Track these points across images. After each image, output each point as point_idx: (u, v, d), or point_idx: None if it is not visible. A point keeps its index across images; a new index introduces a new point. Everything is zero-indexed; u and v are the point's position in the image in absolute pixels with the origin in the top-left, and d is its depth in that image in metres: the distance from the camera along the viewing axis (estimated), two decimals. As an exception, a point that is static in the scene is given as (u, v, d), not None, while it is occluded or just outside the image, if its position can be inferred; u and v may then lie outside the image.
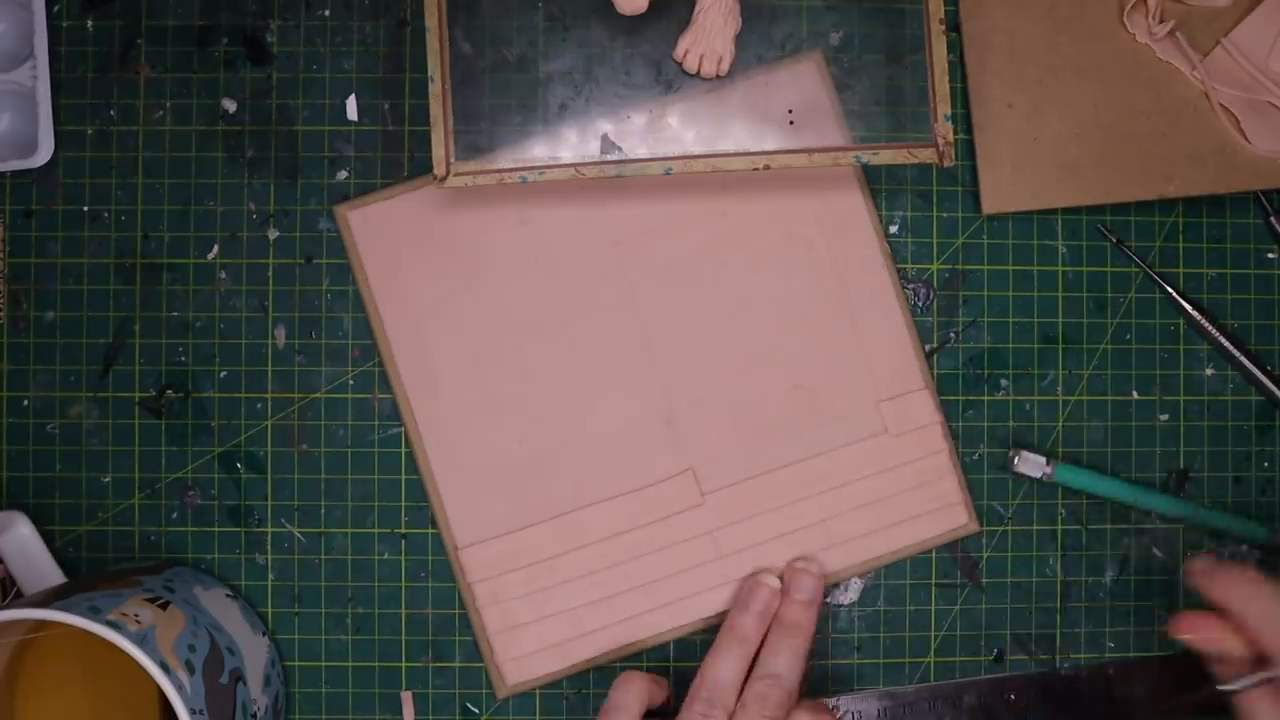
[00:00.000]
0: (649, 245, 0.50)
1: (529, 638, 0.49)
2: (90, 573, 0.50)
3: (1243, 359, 0.51)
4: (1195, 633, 0.45)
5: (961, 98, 0.51)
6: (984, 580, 0.51)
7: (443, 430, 0.49)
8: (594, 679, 0.50)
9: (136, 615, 0.41)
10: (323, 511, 0.50)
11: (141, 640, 0.39)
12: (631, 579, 0.50)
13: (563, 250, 0.50)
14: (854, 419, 0.50)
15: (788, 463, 0.50)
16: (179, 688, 0.39)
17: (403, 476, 0.50)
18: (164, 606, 0.43)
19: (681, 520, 0.50)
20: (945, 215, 0.51)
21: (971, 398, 0.51)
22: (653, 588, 0.50)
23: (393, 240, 0.49)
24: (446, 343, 0.49)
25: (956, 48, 0.50)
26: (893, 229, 0.51)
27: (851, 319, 0.50)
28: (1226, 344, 0.51)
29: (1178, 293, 0.52)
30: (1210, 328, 0.51)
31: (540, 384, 0.50)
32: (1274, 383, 0.52)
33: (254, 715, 0.45)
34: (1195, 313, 0.51)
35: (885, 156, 0.46)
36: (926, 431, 0.50)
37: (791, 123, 0.50)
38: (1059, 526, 0.52)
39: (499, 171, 0.46)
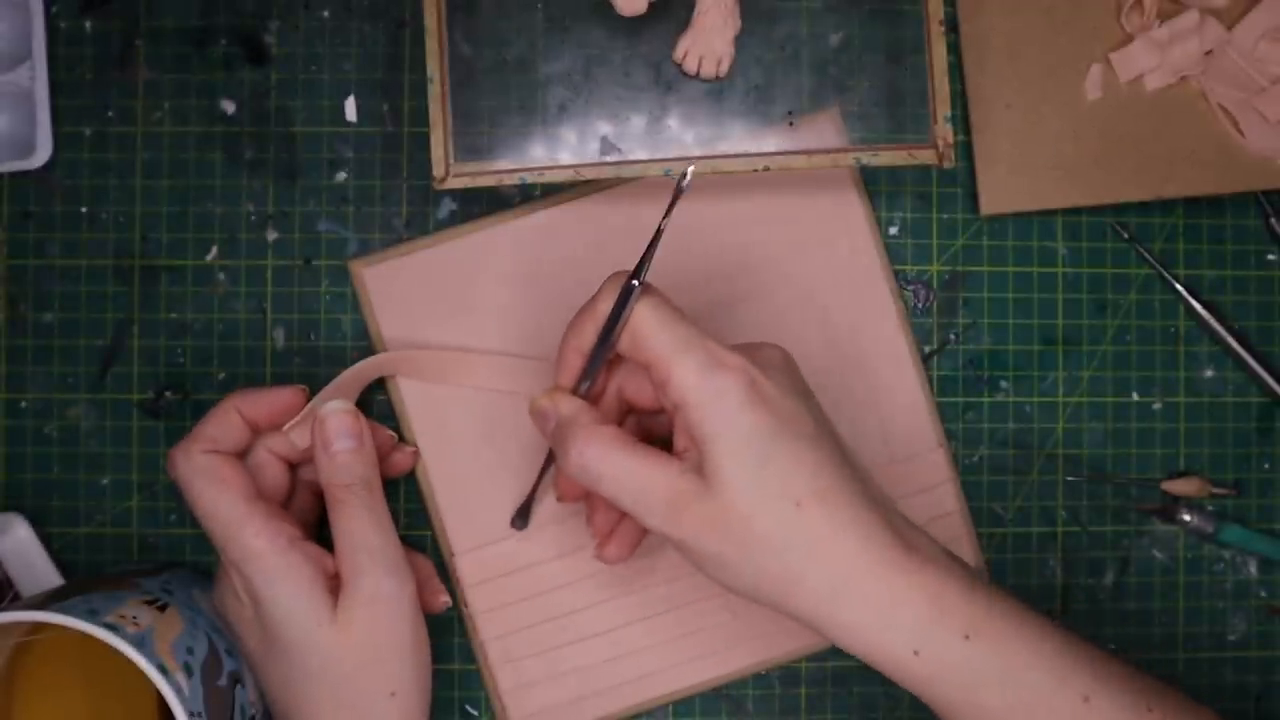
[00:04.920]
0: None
1: (541, 695, 0.49)
2: (88, 575, 0.49)
3: (1251, 361, 0.51)
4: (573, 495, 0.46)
5: (960, 99, 0.51)
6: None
7: (456, 490, 0.49)
8: None
9: (135, 617, 0.41)
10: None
11: (139, 642, 0.39)
12: (645, 638, 0.49)
13: (577, 306, 0.49)
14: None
15: None
16: (177, 690, 0.39)
17: (401, 478, 0.50)
18: (162, 609, 0.42)
19: (697, 579, 0.49)
20: (944, 217, 0.51)
21: (971, 400, 0.51)
22: (666, 647, 0.50)
23: (408, 297, 0.49)
24: (461, 400, 0.49)
25: (955, 49, 0.50)
26: (892, 230, 0.51)
27: (859, 368, 0.50)
28: (1235, 345, 0.51)
29: (1188, 292, 0.51)
30: (1219, 328, 0.51)
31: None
32: (1280, 384, 0.52)
33: (252, 718, 0.45)
34: (1205, 313, 0.51)
35: (885, 158, 0.46)
36: (938, 491, 0.50)
37: (791, 124, 0.50)
38: (1059, 529, 0.52)
39: (498, 173, 0.46)
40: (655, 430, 0.45)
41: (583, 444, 0.40)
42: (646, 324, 0.39)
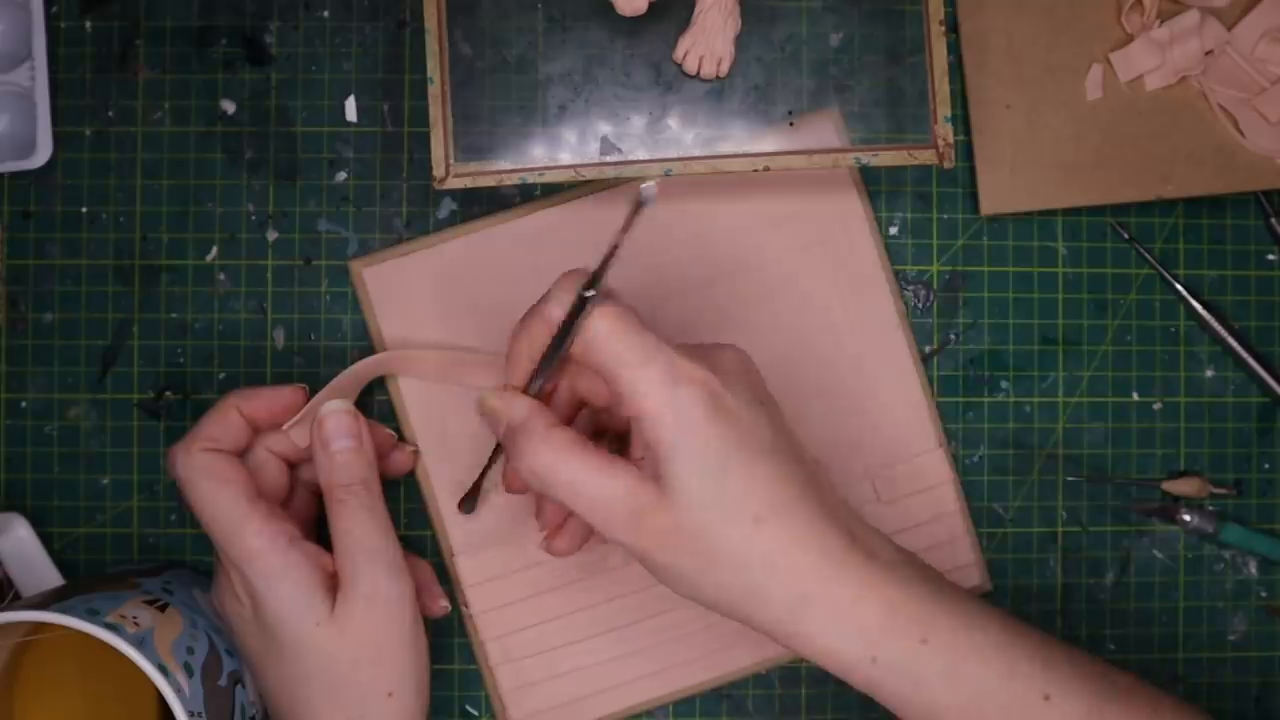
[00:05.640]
0: (662, 303, 0.50)
1: (541, 695, 0.49)
2: (88, 575, 0.49)
3: (1251, 361, 0.51)
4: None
5: (960, 99, 0.51)
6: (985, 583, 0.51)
7: (456, 490, 0.49)
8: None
9: (135, 617, 0.41)
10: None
11: (140, 642, 0.39)
12: (644, 638, 0.49)
13: None
14: (857, 485, 0.50)
15: None
16: (177, 690, 0.39)
17: (401, 478, 0.50)
18: (162, 609, 0.42)
19: None
20: (945, 217, 0.51)
21: (971, 399, 0.51)
22: (664, 647, 0.50)
23: (408, 297, 0.49)
24: (461, 400, 0.49)
25: (955, 49, 0.50)
26: (892, 230, 0.51)
27: (859, 368, 0.50)
28: (1235, 345, 0.51)
29: (1188, 292, 0.51)
30: (1220, 328, 0.51)
31: None
32: (1282, 384, 0.52)
33: (253, 718, 0.45)
34: (1206, 313, 0.51)
35: (885, 158, 0.46)
36: (938, 491, 0.50)
37: (791, 124, 0.50)
38: (1059, 529, 0.52)
39: (498, 173, 0.46)
40: (609, 425, 0.45)
41: (537, 450, 0.39)
42: (602, 335, 0.38)
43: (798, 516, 0.38)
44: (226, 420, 0.44)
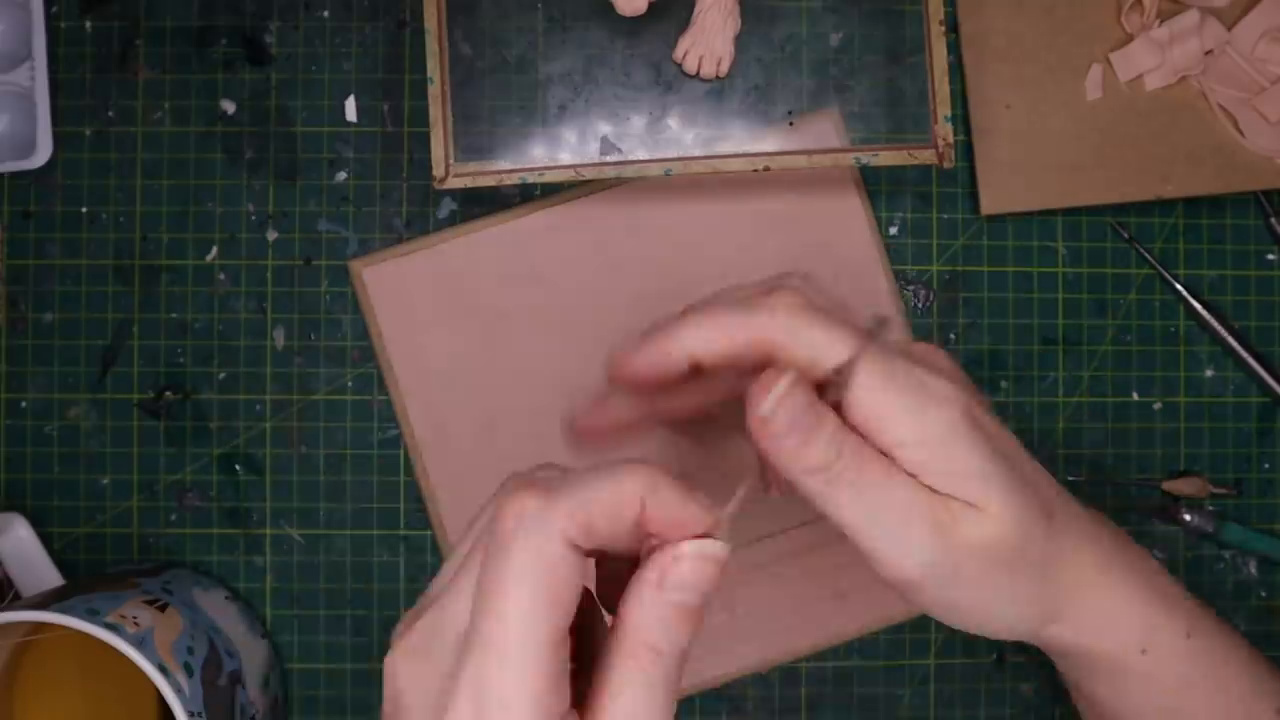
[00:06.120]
0: (664, 302, 0.50)
1: None
2: (88, 575, 0.49)
3: (1251, 361, 0.51)
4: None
5: (960, 99, 0.51)
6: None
7: (454, 485, 0.49)
8: None
9: (135, 617, 0.41)
10: (321, 513, 0.50)
11: (140, 642, 0.39)
12: None
13: (578, 306, 0.49)
14: None
15: (803, 520, 0.50)
16: (177, 690, 0.39)
17: (401, 478, 0.50)
18: (162, 609, 0.43)
19: None
20: (945, 217, 0.51)
21: (971, 399, 0.51)
22: None
23: (408, 297, 0.49)
24: (461, 400, 0.49)
25: (955, 49, 0.50)
26: (892, 230, 0.51)
27: None
28: (1235, 345, 0.51)
29: (1188, 292, 0.51)
30: (1220, 328, 0.51)
31: (555, 444, 0.49)
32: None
33: (253, 717, 0.45)
34: (1206, 313, 0.51)
35: (885, 158, 0.46)
36: None
37: (791, 124, 0.50)
38: (1059, 528, 0.52)
39: (498, 173, 0.46)
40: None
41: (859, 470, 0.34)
42: (873, 386, 0.34)
43: (1071, 510, 0.38)
44: (620, 514, 0.29)
